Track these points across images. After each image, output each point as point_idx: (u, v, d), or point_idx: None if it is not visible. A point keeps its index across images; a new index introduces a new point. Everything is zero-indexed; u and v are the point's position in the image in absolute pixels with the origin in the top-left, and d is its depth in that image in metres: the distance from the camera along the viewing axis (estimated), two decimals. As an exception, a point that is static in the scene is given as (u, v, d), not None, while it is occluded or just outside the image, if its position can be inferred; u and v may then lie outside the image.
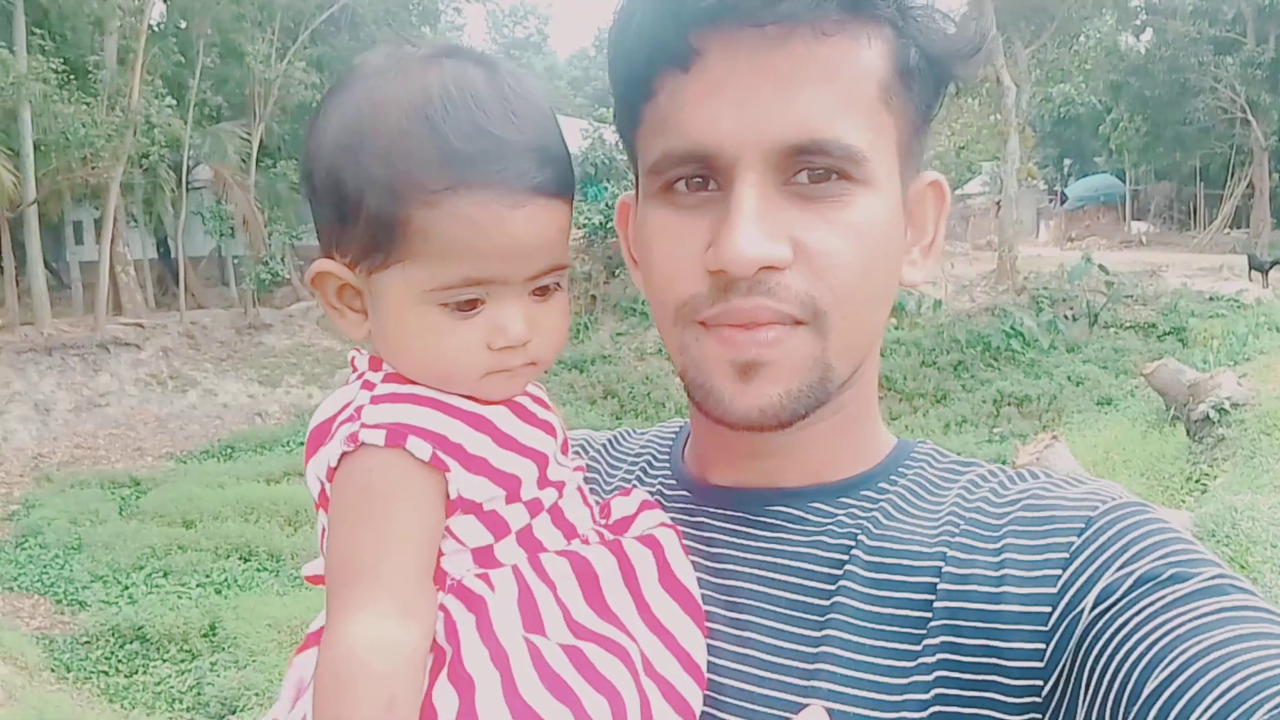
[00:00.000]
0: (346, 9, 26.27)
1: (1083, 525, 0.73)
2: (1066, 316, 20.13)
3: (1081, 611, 0.68)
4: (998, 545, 0.75)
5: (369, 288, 0.77)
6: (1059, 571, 0.71)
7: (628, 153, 0.86)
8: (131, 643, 10.36)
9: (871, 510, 0.82)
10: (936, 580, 0.75)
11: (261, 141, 23.70)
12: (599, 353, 20.41)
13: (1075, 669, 0.67)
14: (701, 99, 0.73)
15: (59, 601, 11.46)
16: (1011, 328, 18.86)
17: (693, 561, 0.83)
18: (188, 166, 22.71)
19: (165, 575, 11.68)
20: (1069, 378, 17.30)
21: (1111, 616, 0.67)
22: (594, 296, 22.04)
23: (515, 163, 0.73)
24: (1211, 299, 20.87)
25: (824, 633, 0.76)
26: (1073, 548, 0.72)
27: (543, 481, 0.79)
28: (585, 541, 0.80)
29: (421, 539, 0.73)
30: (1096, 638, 0.67)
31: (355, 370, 0.81)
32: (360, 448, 0.72)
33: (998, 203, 23.81)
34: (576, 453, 0.96)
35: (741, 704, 0.76)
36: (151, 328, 20.67)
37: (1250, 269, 23.34)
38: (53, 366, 18.61)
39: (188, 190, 22.89)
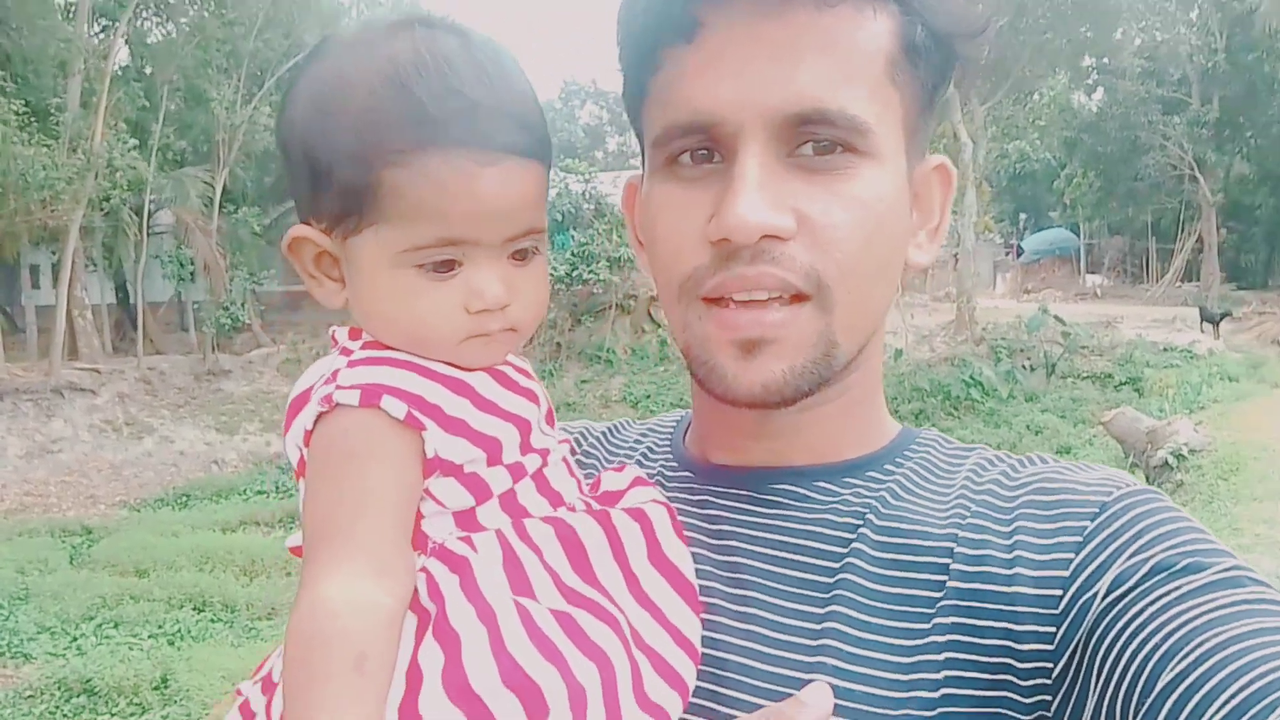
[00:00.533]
0: (312, 56, 26.27)
1: (1097, 510, 0.73)
2: (1024, 367, 20.41)
3: (1094, 596, 0.68)
4: (1010, 528, 0.75)
5: (345, 253, 0.77)
6: (1072, 555, 0.71)
7: (636, 132, 0.86)
8: (79, 696, 10.01)
9: (879, 490, 0.82)
10: (948, 560, 0.74)
11: (225, 186, 23.56)
12: (564, 400, 20.37)
13: (1086, 653, 0.67)
14: (702, 70, 0.74)
15: (2, 654, 11.10)
16: (971, 377, 19.06)
17: (696, 539, 0.83)
18: (149, 211, 22.54)
19: (116, 626, 11.34)
20: (1028, 426, 17.50)
21: (1126, 604, 0.66)
22: (559, 344, 22.02)
23: (486, 122, 0.72)
24: (1165, 350, 21.45)
25: (829, 609, 0.75)
26: (1086, 531, 0.72)
27: (525, 447, 0.78)
28: (572, 509, 0.79)
29: (398, 498, 0.71)
30: (1110, 625, 0.66)
31: (335, 344, 0.80)
32: (335, 408, 0.71)
33: (955, 255, 24.26)
34: (576, 439, 0.99)
35: (745, 679, 0.75)
36: (108, 373, 20.29)
37: (1201, 320, 24.09)
38: (4, 411, 18.20)
39: (149, 235, 22.69)
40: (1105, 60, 31.82)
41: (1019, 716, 0.69)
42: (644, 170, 0.85)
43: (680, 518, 0.83)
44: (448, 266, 0.75)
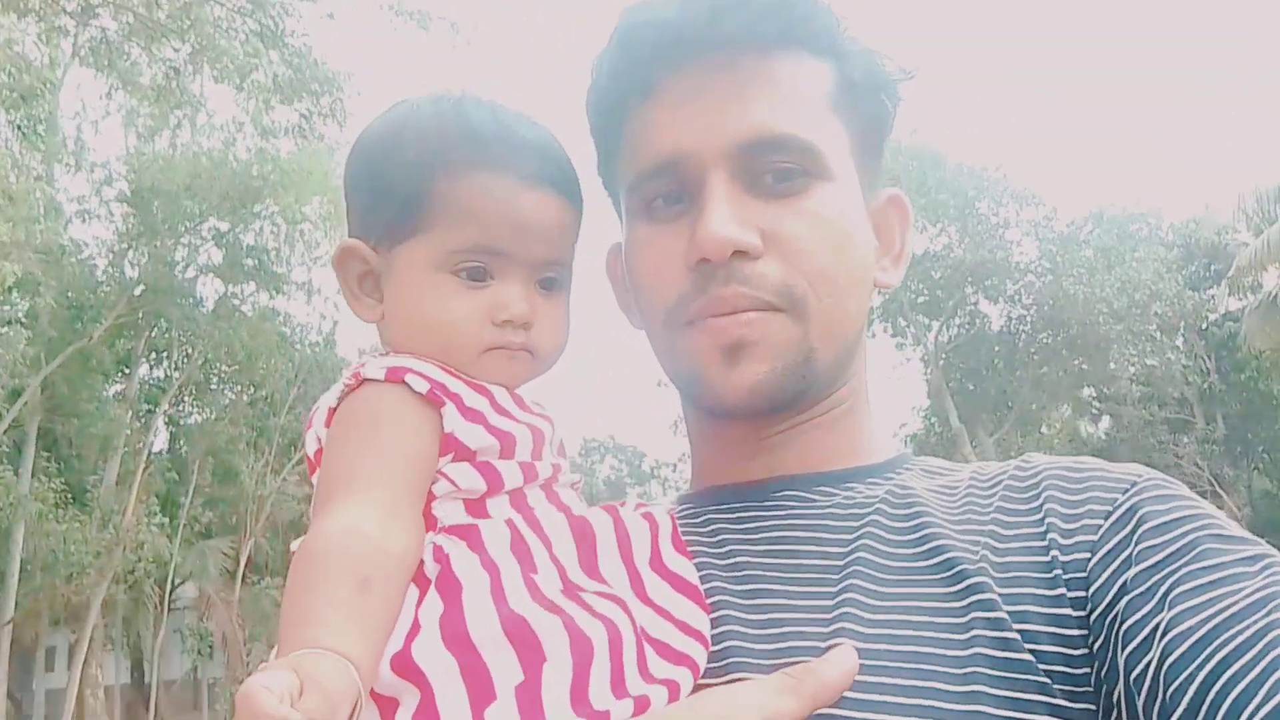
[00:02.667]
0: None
1: (1128, 485, 0.76)
2: None
3: (1126, 565, 0.70)
4: (1038, 503, 0.78)
5: (389, 264, 0.84)
6: (1101, 522, 0.74)
7: (611, 197, 0.94)
8: None
9: (885, 485, 0.85)
10: (976, 537, 0.76)
11: (250, 557, 23.55)
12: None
13: (1107, 621, 0.69)
14: (664, 119, 0.83)
15: None
16: None
17: (701, 558, 0.83)
18: (172, 584, 22.42)
19: None
20: None
21: (1155, 582, 0.68)
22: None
23: (529, 154, 0.83)
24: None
25: (845, 583, 0.76)
26: (1116, 503, 0.75)
27: (538, 453, 0.81)
28: None
29: (413, 459, 0.74)
30: (1136, 599, 0.68)
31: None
32: (362, 383, 0.76)
33: None
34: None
35: (764, 663, 0.74)
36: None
37: None
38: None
39: (170, 609, 22.42)
40: (1105, 389, 32.82)
41: (1061, 685, 0.69)
42: (622, 226, 0.92)
43: (685, 538, 0.85)
44: (481, 275, 0.81)
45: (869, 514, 0.81)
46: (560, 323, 0.87)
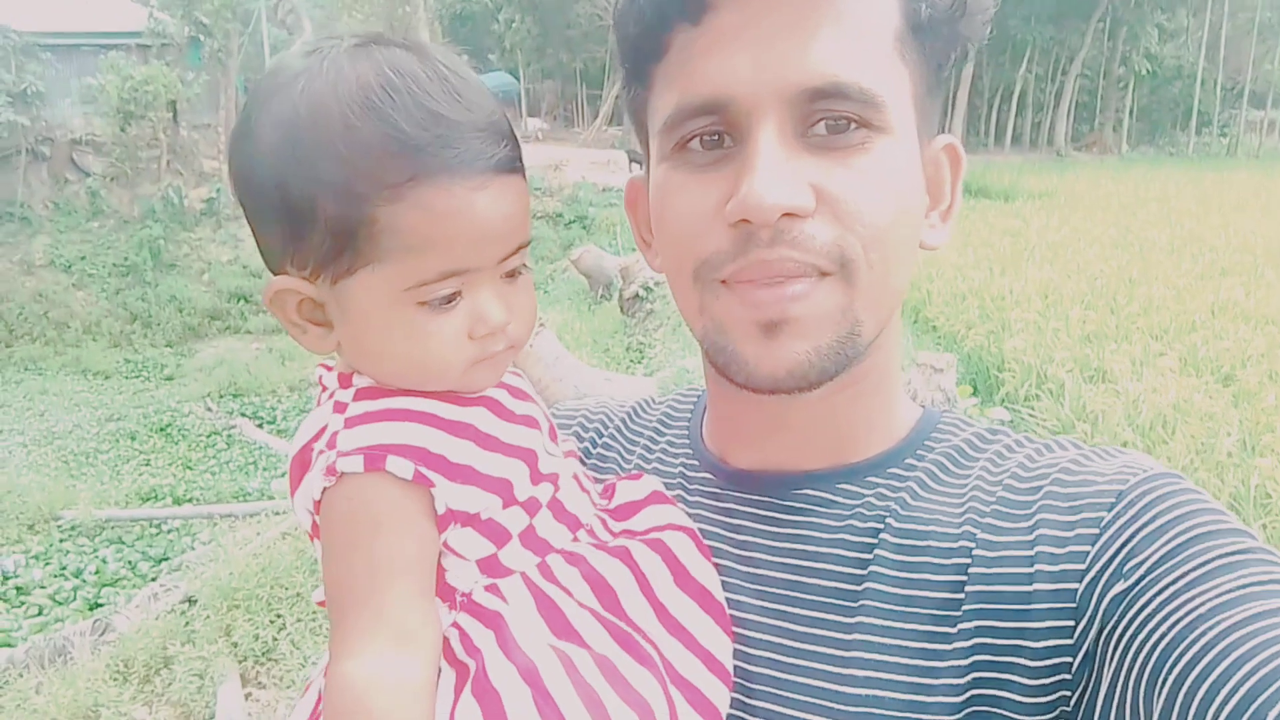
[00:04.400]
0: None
1: (1114, 499, 0.72)
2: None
3: (1109, 587, 0.67)
4: (1030, 524, 0.73)
5: (335, 297, 0.73)
6: (1088, 548, 0.70)
7: (637, 129, 0.84)
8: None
9: (899, 490, 0.80)
10: (967, 561, 0.73)
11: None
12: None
13: (1099, 647, 0.66)
14: (713, 49, 0.72)
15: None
16: None
17: (720, 548, 0.82)
18: None
19: None
20: None
21: (1136, 594, 0.65)
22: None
23: (470, 144, 0.71)
24: (605, 190, 23.47)
25: (857, 619, 0.74)
26: (1103, 523, 0.71)
27: (535, 478, 0.77)
28: (591, 531, 0.79)
29: (415, 561, 0.71)
30: (1121, 616, 0.65)
31: (324, 389, 0.77)
32: (341, 478, 0.70)
33: None
34: (597, 429, 1.00)
35: (775, 691, 0.75)
36: None
37: (630, 162, 26.09)
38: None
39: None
40: None
41: (1040, 716, 0.68)
42: (649, 163, 0.82)
43: (703, 524, 0.84)
44: (449, 299, 0.73)
45: (881, 531, 0.77)
46: (531, 302, 0.80)
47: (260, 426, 13.83)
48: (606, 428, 1.01)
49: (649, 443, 0.97)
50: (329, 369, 0.78)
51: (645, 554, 0.77)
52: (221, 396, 15.58)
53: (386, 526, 0.70)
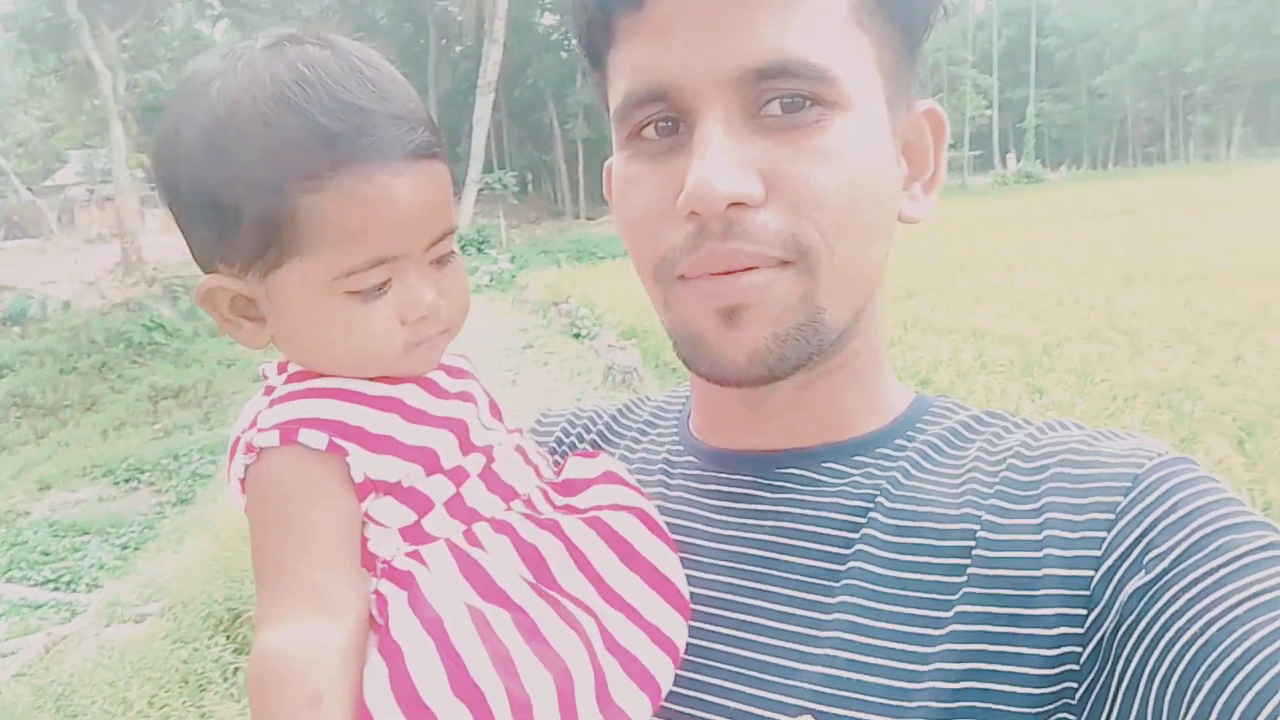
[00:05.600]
0: None
1: (1129, 484, 0.68)
2: None
3: (1127, 577, 0.64)
4: (1038, 505, 0.70)
5: (265, 290, 0.74)
6: (1103, 533, 0.66)
7: (606, 113, 0.80)
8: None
9: (890, 469, 0.78)
10: (971, 544, 0.70)
11: None
12: None
13: (1118, 640, 0.63)
14: (655, 34, 0.70)
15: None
16: (151, 319, 19.14)
17: (698, 529, 0.81)
18: None
19: None
20: (219, 361, 17.88)
21: (1159, 589, 0.62)
22: None
23: (386, 131, 0.71)
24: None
25: (839, 599, 0.72)
26: (1119, 508, 0.67)
27: (466, 448, 0.76)
28: (528, 502, 0.77)
29: (334, 530, 0.70)
30: (1143, 611, 0.62)
31: (266, 380, 0.78)
32: (260, 454, 0.71)
33: (92, 191, 24.82)
34: (579, 433, 0.99)
35: (747, 671, 0.72)
36: None
37: None
38: None
39: None
40: None
41: (1042, 707, 0.64)
42: (613, 150, 0.80)
43: (685, 507, 0.83)
44: (381, 285, 0.73)
45: (871, 510, 0.75)
46: (463, 286, 0.80)
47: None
48: (595, 424, 1.00)
49: (637, 435, 0.97)
50: (272, 364, 0.80)
51: (579, 529, 0.76)
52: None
53: (301, 497, 0.70)
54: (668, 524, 0.80)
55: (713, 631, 0.75)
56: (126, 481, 13.67)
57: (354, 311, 0.73)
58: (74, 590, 10.15)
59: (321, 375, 0.75)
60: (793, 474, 0.80)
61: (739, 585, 0.76)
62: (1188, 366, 8.47)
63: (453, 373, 0.81)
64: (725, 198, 0.66)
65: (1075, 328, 10.49)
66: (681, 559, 0.78)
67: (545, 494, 0.79)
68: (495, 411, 0.82)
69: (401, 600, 0.68)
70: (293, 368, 0.77)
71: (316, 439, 0.70)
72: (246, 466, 0.71)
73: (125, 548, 11.11)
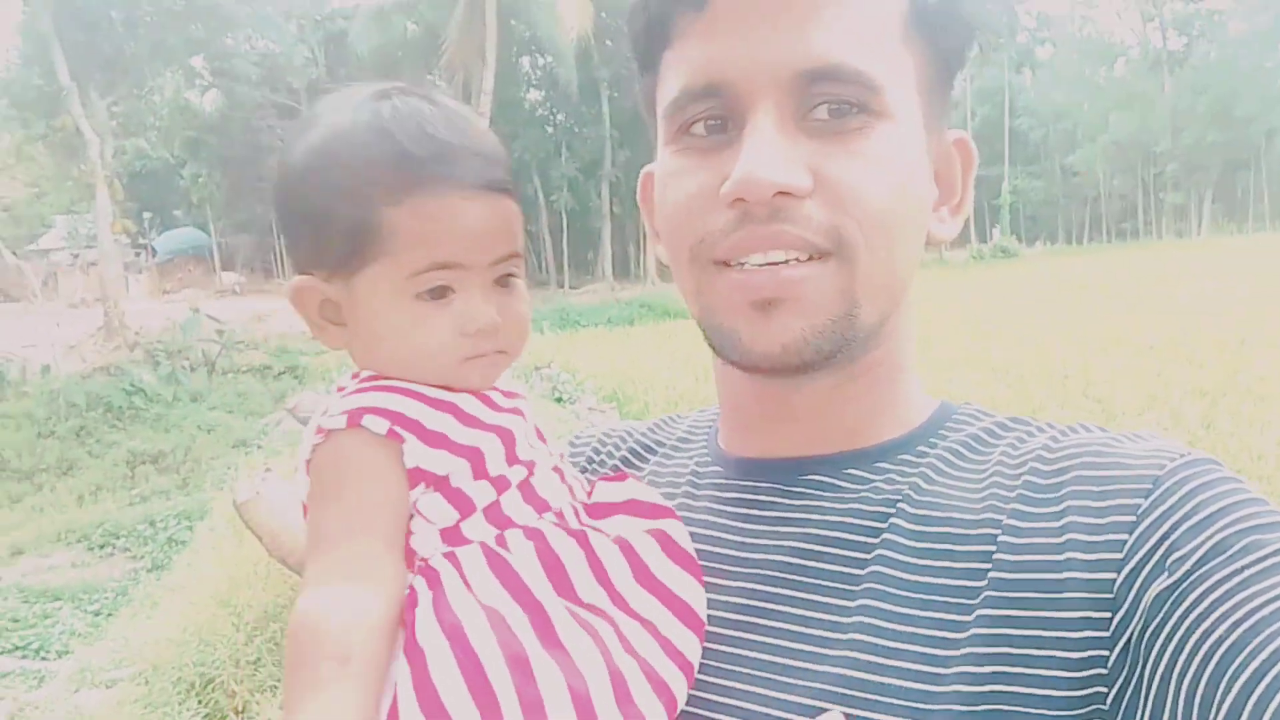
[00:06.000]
0: None
1: (1150, 485, 0.68)
2: (185, 368, 20.84)
3: (1150, 579, 0.64)
4: (1059, 508, 0.70)
5: (347, 294, 0.82)
6: (1125, 535, 0.67)
7: (649, 121, 0.85)
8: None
9: (912, 475, 0.78)
10: (992, 548, 0.70)
11: None
12: None
13: (1144, 640, 0.63)
14: (715, 34, 0.73)
15: None
16: (132, 384, 18.86)
17: (721, 538, 0.82)
18: None
19: None
20: (199, 427, 17.67)
21: (1185, 589, 0.62)
22: None
23: (464, 163, 0.80)
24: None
25: (859, 602, 0.72)
26: (1140, 510, 0.67)
27: (511, 458, 0.81)
28: (559, 515, 0.81)
29: (384, 510, 0.75)
30: (1170, 611, 0.62)
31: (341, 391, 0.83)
32: (327, 435, 0.77)
33: (76, 256, 24.61)
34: (610, 450, 1.02)
35: (766, 675, 0.73)
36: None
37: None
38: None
39: None
40: (218, 64, 34.39)
41: (1073, 711, 0.64)
42: (658, 150, 0.83)
43: (709, 517, 0.85)
44: (442, 293, 0.80)
45: (892, 515, 0.76)
46: (524, 313, 0.87)
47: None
48: (625, 443, 1.02)
49: (670, 450, 0.98)
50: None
51: (604, 544, 0.79)
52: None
53: (357, 474, 0.76)
54: (692, 533, 0.82)
55: (734, 636, 0.76)
56: (101, 547, 13.46)
57: (419, 316, 0.80)
58: (43, 657, 9.94)
59: (388, 377, 0.81)
60: (815, 480, 0.81)
61: (761, 590, 0.77)
62: (1160, 433, 8.55)
63: (507, 394, 0.87)
64: (773, 185, 0.70)
65: (1050, 396, 10.63)
66: (705, 566, 0.81)
67: (576, 512, 0.83)
68: (540, 436, 0.87)
69: (428, 602, 0.72)
70: (364, 374, 0.83)
71: (378, 424, 0.76)
72: (314, 447, 0.78)
73: (98, 614, 10.91)
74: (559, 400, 14.20)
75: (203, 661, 6.11)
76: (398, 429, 0.76)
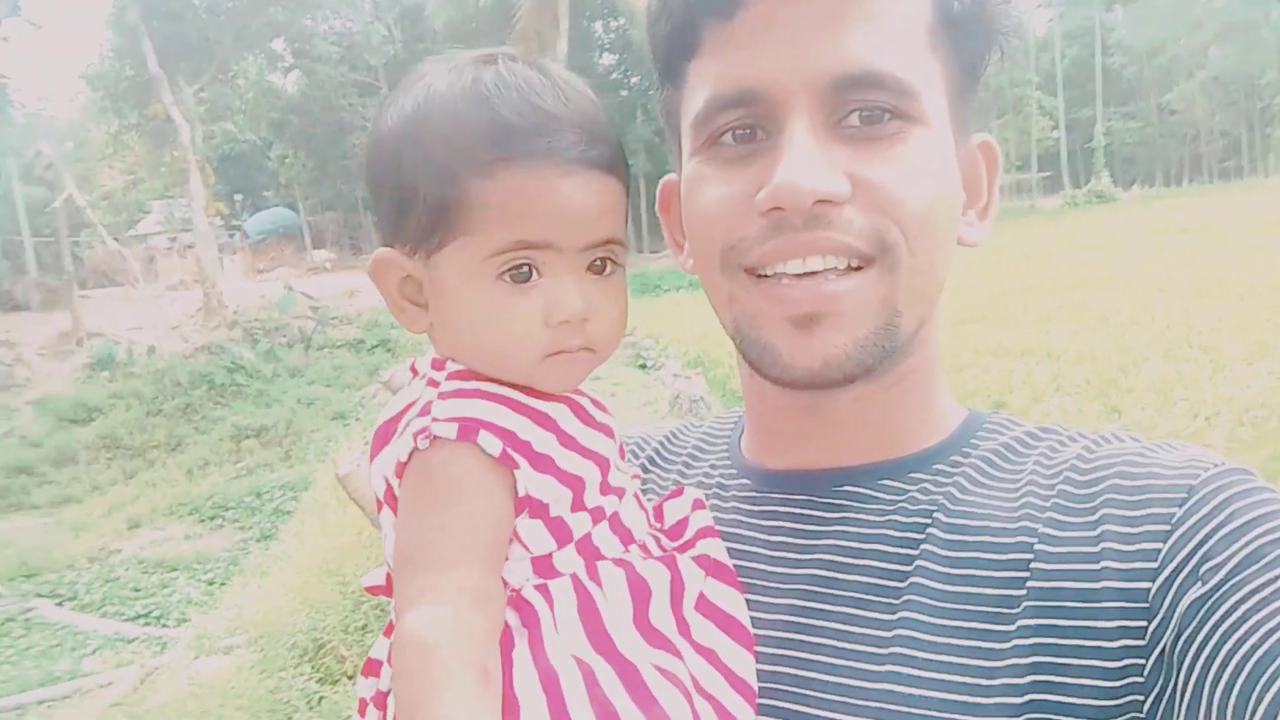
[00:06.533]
0: None
1: (1184, 495, 0.68)
2: (282, 344, 21.36)
3: (1185, 588, 0.63)
4: (1094, 518, 0.70)
5: (429, 273, 0.77)
6: (1160, 545, 0.66)
7: (669, 131, 0.84)
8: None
9: (946, 485, 0.77)
10: (1029, 557, 0.70)
11: None
12: None
13: (1178, 649, 0.62)
14: (747, 43, 0.72)
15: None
16: (233, 362, 19.48)
17: (753, 552, 0.81)
18: None
19: None
20: (299, 401, 18.10)
21: (1220, 598, 0.61)
22: None
23: (564, 135, 0.74)
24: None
25: (899, 615, 0.71)
26: (1174, 519, 0.67)
27: (605, 488, 0.78)
28: (643, 547, 0.79)
29: (490, 532, 0.72)
30: (1204, 620, 0.61)
31: (416, 374, 0.80)
32: (434, 442, 0.72)
33: (173, 240, 25.14)
34: (632, 452, 0.99)
35: (810, 693, 0.72)
36: None
37: None
38: None
39: None
40: (298, 45, 34.61)
41: (1110, 719, 0.64)
42: (680, 165, 0.82)
43: (739, 529, 0.83)
44: (527, 274, 0.75)
45: (929, 526, 0.75)
46: (619, 308, 0.81)
47: (60, 605, 12.72)
48: (643, 450, 1.00)
49: (688, 460, 0.96)
50: (421, 359, 0.83)
51: (690, 568, 0.78)
52: (12, 580, 14.26)
53: (469, 496, 0.71)
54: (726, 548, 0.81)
55: (775, 654, 0.75)
56: (212, 519, 14.07)
57: (502, 299, 0.75)
58: (164, 625, 10.47)
59: (481, 377, 0.76)
60: (849, 492, 0.80)
61: (799, 606, 0.76)
62: (1271, 383, 8.24)
63: (595, 403, 0.82)
64: (812, 194, 0.68)
65: (1152, 346, 10.29)
66: (741, 582, 0.80)
67: (658, 541, 0.81)
68: (622, 452, 0.84)
69: (524, 643, 0.70)
70: (451, 366, 0.78)
71: (492, 444, 0.71)
72: (413, 451, 0.72)
73: (212, 583, 11.43)
74: (643, 367, 14.24)
75: (313, 628, 6.35)
76: (511, 452, 0.72)
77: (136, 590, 11.75)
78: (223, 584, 11.08)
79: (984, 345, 11.42)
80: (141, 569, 12.51)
